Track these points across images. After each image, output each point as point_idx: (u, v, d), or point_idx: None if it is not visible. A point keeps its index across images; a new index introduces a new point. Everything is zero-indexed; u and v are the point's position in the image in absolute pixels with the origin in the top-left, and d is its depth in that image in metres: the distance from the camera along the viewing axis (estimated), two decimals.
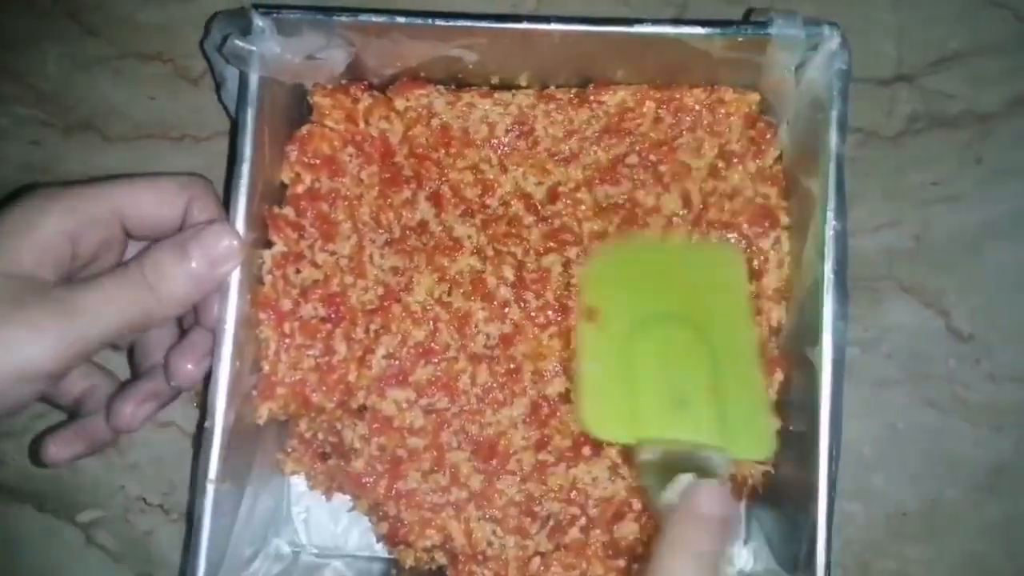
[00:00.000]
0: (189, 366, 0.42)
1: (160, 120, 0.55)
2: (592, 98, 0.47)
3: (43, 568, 0.52)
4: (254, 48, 0.42)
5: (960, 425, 0.51)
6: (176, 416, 0.52)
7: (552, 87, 0.48)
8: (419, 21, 0.43)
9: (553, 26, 0.43)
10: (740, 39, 0.43)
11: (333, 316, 0.45)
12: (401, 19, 0.43)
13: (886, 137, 0.53)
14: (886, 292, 0.52)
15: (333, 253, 0.46)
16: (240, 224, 0.42)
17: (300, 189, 0.46)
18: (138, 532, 0.52)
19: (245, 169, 0.42)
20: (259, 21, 0.42)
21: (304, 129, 0.47)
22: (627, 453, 0.46)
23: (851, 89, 0.43)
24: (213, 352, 0.41)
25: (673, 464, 0.41)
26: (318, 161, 0.46)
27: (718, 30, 0.43)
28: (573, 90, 0.48)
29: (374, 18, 0.43)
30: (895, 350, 0.52)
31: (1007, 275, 0.52)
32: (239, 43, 0.41)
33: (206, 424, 0.41)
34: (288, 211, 0.46)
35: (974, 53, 0.53)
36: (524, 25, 0.43)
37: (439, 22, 0.43)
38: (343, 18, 0.43)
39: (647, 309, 0.46)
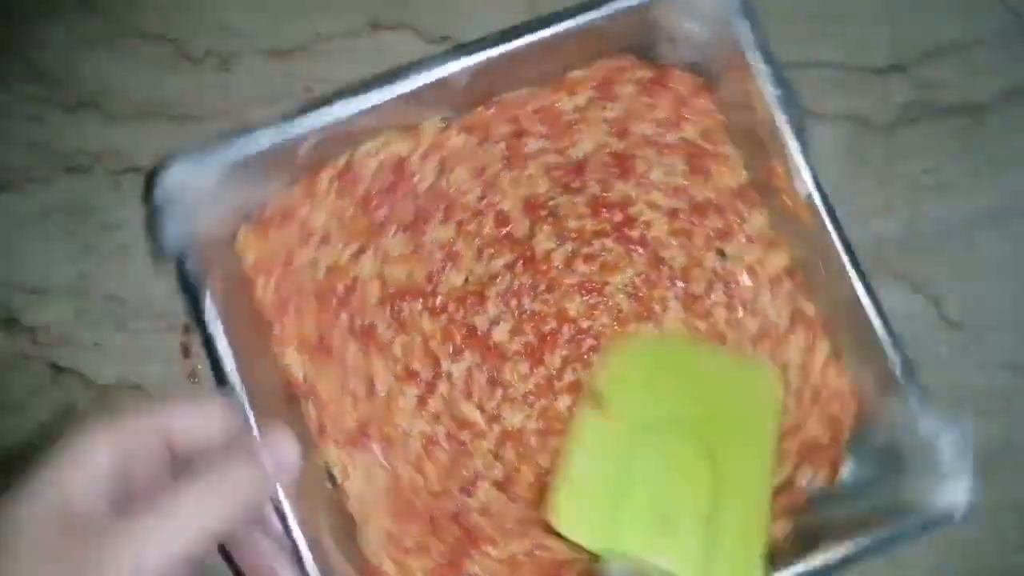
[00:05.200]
0: None
1: (161, 99, 0.55)
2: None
3: None
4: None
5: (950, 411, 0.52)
6: (174, 392, 0.52)
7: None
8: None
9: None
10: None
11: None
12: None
13: (879, 126, 0.54)
14: (878, 279, 0.51)
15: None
16: None
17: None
18: None
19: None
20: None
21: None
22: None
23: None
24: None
25: None
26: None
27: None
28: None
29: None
30: None
31: (997, 263, 0.53)
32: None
33: None
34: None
35: (967, 44, 0.54)
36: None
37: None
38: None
39: (659, 414, 0.43)
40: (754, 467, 0.42)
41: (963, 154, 0.53)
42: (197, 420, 0.40)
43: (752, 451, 0.42)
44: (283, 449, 0.40)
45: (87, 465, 0.37)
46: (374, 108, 0.43)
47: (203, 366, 0.52)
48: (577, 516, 0.41)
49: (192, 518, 0.36)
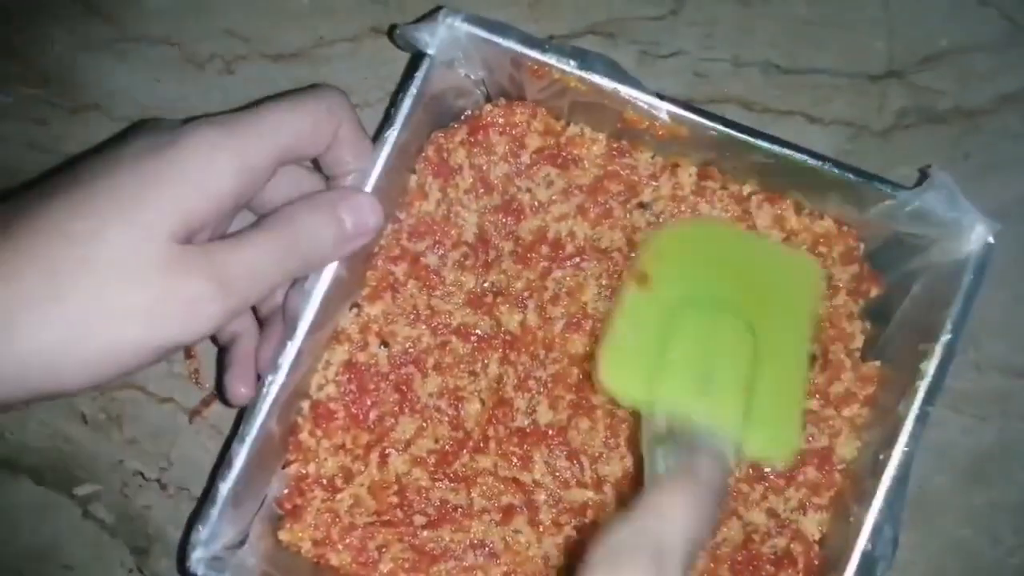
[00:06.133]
0: (243, 390, 0.43)
1: (165, 103, 0.55)
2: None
3: (40, 541, 0.52)
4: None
5: (947, 413, 0.52)
6: (175, 392, 0.53)
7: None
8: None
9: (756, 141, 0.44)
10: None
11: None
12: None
13: (876, 132, 0.54)
14: None
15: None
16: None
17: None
18: (135, 507, 0.52)
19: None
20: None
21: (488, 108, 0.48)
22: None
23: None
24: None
25: (680, 440, 0.39)
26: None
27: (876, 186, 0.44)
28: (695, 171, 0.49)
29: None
30: None
31: (994, 268, 0.53)
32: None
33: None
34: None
35: (963, 50, 0.55)
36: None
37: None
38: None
39: (701, 292, 0.44)
40: (792, 349, 0.44)
41: (959, 160, 0.54)
42: (307, 137, 0.39)
43: (790, 335, 0.44)
44: (364, 212, 0.41)
45: (211, 183, 0.34)
46: None
47: (205, 367, 0.53)
48: (622, 373, 0.42)
49: (267, 272, 0.36)
